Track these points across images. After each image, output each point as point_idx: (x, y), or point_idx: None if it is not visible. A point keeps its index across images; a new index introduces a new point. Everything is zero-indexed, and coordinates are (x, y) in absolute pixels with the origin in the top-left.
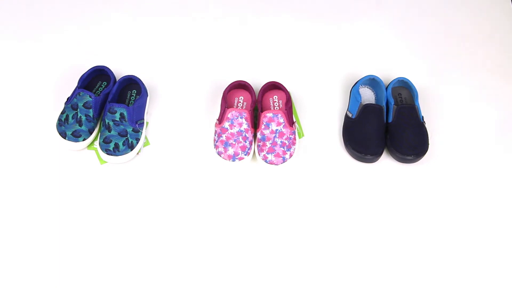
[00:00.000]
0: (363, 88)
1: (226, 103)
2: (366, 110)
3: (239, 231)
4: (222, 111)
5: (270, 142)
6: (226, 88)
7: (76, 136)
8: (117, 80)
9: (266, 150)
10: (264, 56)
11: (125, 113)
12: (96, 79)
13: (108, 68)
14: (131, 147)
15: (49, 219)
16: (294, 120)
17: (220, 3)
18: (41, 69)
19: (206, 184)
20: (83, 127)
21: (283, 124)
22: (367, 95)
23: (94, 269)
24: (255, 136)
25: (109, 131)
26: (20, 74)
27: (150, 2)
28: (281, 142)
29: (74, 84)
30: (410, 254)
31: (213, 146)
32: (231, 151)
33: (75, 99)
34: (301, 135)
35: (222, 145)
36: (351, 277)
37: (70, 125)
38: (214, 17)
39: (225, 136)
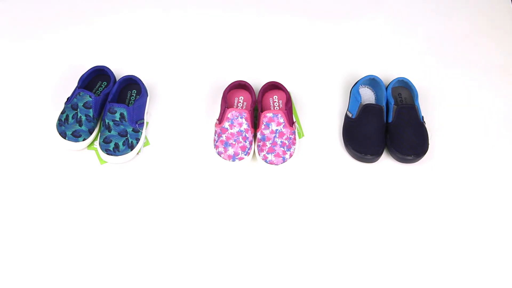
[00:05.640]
0: (363, 88)
1: (226, 103)
2: (366, 110)
3: (239, 231)
4: (222, 111)
5: (270, 142)
6: (226, 88)
7: (76, 136)
8: (117, 80)
9: (266, 150)
10: (264, 56)
11: (125, 113)
12: (96, 79)
13: (108, 68)
14: (131, 147)
15: (49, 219)
16: (294, 120)
17: (221, 3)
18: (41, 69)
19: (206, 184)
20: (83, 127)
21: (283, 124)
22: (367, 95)
23: (94, 269)
24: (255, 136)
25: (109, 131)
26: (20, 74)
27: (150, 2)
28: (281, 142)
29: (74, 84)
30: (410, 254)
31: (213, 146)
32: (231, 151)
33: (75, 99)
34: (301, 135)
35: (222, 145)
36: (351, 276)
37: (70, 125)
38: (214, 17)
39: (225, 136)
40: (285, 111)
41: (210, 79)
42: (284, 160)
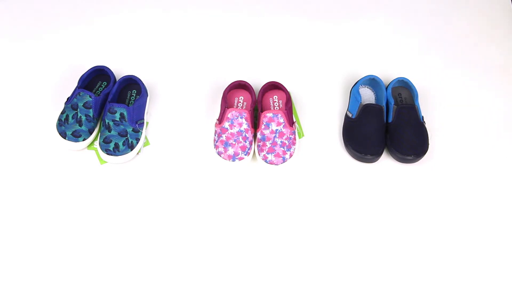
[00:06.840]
0: (363, 88)
1: (226, 103)
2: (366, 110)
3: (239, 231)
4: (222, 111)
5: (270, 142)
6: (226, 88)
7: (76, 136)
8: (117, 80)
9: (266, 150)
10: (264, 56)
11: (125, 113)
12: (96, 79)
13: (108, 68)
14: (131, 147)
15: (49, 219)
16: (294, 120)
17: (221, 3)
18: (41, 69)
19: (206, 184)
20: (83, 127)
21: (283, 124)
22: (367, 95)
23: (94, 269)
24: (255, 136)
25: (109, 131)
26: (20, 74)
27: (150, 2)
28: (281, 142)
29: (74, 84)
30: (410, 254)
31: (213, 146)
32: (231, 151)
33: (75, 99)
34: (301, 135)
35: (222, 145)
36: (351, 276)
37: (70, 125)
38: (214, 17)
39: (225, 136)
40: (285, 111)
41: (210, 79)
42: (284, 160)
